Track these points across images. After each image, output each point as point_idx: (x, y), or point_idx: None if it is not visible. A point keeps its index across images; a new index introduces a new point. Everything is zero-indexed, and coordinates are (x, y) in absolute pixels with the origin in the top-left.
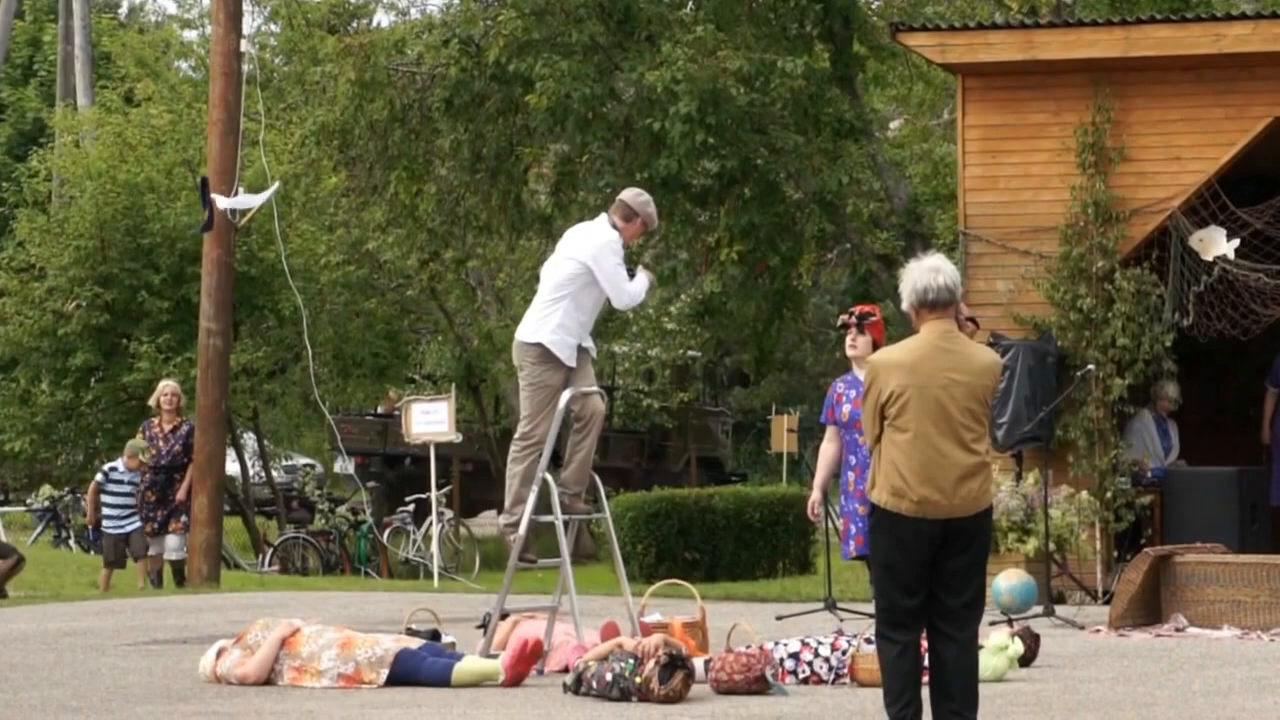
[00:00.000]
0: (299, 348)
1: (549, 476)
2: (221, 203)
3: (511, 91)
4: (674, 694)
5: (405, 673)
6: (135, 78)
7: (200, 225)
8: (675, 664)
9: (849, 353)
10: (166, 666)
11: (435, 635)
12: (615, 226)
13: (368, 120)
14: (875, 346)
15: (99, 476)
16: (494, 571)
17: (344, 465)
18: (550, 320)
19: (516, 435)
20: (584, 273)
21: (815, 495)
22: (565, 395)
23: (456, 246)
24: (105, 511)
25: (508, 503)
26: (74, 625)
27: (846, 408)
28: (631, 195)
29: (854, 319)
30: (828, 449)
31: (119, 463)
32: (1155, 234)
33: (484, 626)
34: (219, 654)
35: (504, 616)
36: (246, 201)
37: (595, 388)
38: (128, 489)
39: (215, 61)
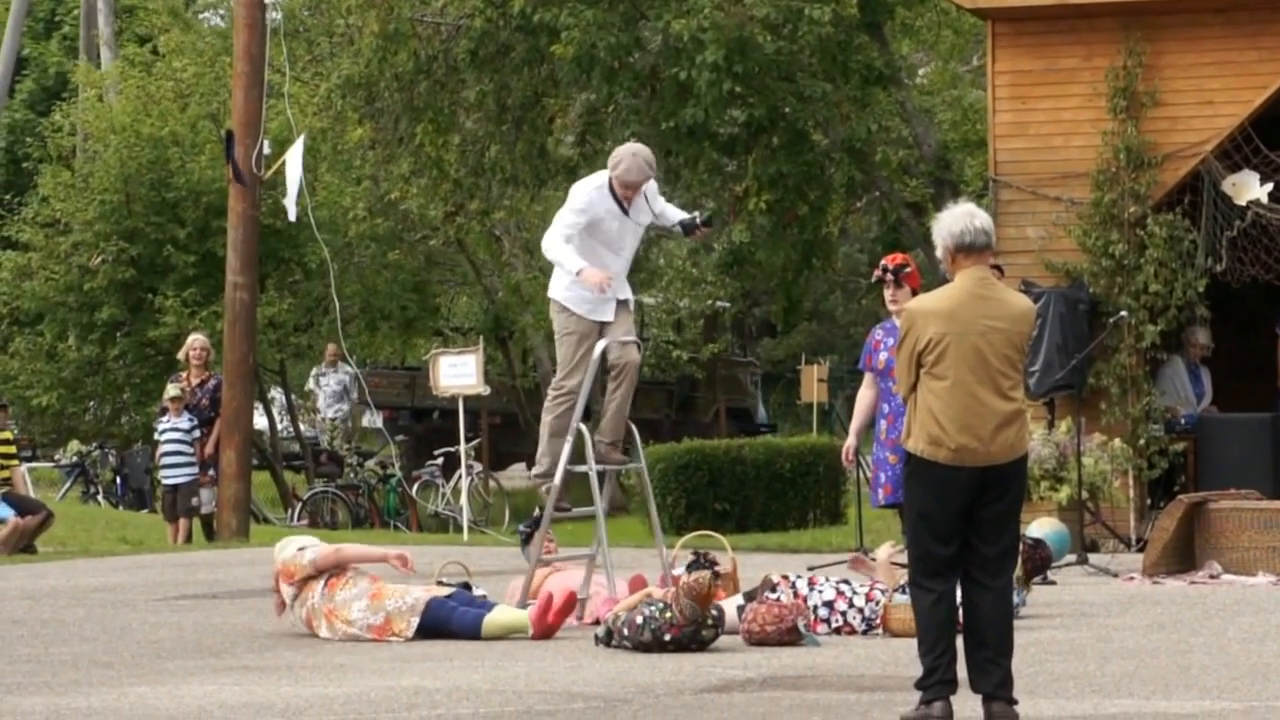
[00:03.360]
0: (326, 300)
1: (583, 427)
2: (290, 204)
3: (537, 42)
4: (699, 585)
5: (436, 622)
6: (163, 27)
7: (234, 177)
8: (699, 563)
9: (890, 308)
10: (197, 621)
11: (466, 588)
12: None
13: (393, 72)
14: (915, 295)
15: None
16: None
17: (371, 419)
18: (565, 275)
19: (551, 385)
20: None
21: (850, 441)
22: (600, 344)
23: (481, 198)
24: (161, 461)
25: (538, 452)
26: (104, 580)
27: (883, 355)
28: (613, 153)
29: (889, 274)
30: (865, 395)
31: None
32: (1187, 179)
33: (529, 532)
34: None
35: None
36: (294, 172)
37: (633, 337)
38: (170, 436)
39: (239, 14)
